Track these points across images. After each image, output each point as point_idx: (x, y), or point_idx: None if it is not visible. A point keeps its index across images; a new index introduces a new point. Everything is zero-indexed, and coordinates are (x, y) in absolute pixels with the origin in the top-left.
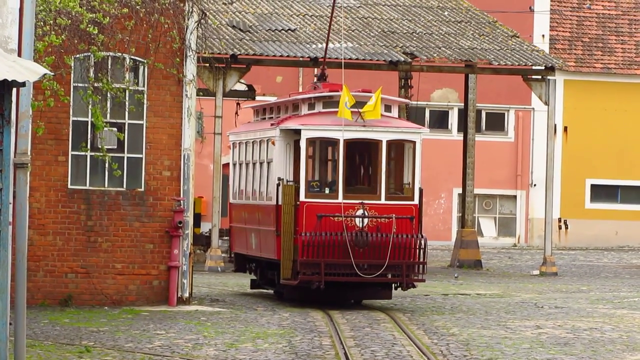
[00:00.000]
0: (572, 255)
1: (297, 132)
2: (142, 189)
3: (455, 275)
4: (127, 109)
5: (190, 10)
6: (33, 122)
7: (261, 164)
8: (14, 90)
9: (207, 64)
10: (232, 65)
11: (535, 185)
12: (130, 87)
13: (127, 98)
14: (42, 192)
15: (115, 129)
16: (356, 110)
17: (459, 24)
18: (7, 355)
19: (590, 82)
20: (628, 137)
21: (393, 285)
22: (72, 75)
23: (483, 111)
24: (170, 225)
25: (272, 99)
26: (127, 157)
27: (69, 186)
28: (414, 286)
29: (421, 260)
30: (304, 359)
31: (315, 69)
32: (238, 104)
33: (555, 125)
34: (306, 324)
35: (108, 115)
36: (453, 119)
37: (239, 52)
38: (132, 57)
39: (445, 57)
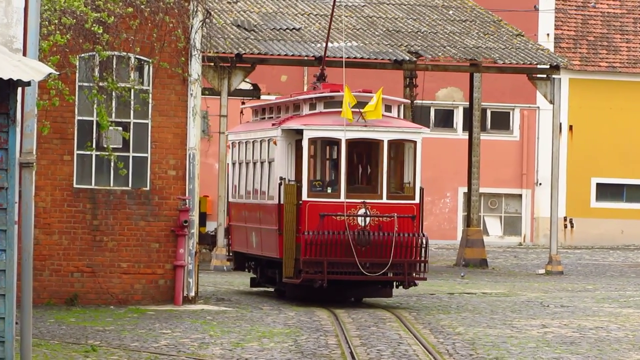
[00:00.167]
0: (578, 254)
1: (299, 132)
2: (148, 188)
3: (462, 274)
4: (132, 108)
5: (195, 9)
6: (38, 121)
7: (262, 163)
8: (19, 89)
9: (212, 63)
10: (237, 64)
11: (540, 184)
12: (135, 87)
13: (132, 97)
14: (48, 191)
15: (120, 128)
16: (357, 110)
17: (463, 23)
18: (14, 355)
19: (596, 80)
20: (633, 136)
21: (394, 283)
22: (77, 74)
23: (488, 110)
24: (175, 225)
25: (273, 99)
26: (133, 157)
27: (75, 185)
28: (415, 284)
29: (422, 258)
30: (310, 358)
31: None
32: (243, 102)
33: (560, 124)
34: (312, 323)
35: (113, 115)
36: (458, 118)
37: (243, 52)
38: (137, 56)
39: (450, 56)
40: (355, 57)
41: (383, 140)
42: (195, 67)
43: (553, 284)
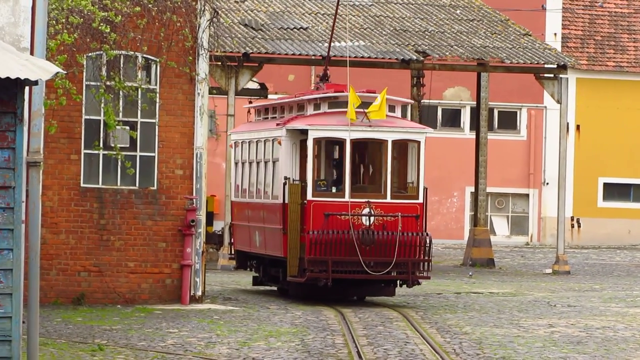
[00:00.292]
0: (585, 254)
1: (304, 132)
2: (155, 188)
3: (470, 273)
4: (139, 108)
5: (202, 8)
6: (45, 120)
7: (266, 163)
8: (27, 88)
9: (219, 63)
10: (244, 63)
11: (547, 183)
12: (142, 86)
13: (139, 96)
14: (55, 190)
15: (127, 128)
16: (361, 110)
17: (471, 23)
18: (20, 354)
19: (603, 80)
20: None
21: (398, 282)
22: (84, 73)
23: (495, 109)
24: (182, 224)
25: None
26: (140, 156)
27: (82, 185)
28: (419, 283)
29: (426, 257)
30: (317, 358)
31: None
32: (250, 102)
33: (567, 124)
34: (319, 323)
35: (120, 114)
36: (465, 118)
37: (251, 51)
38: (145, 55)
39: (458, 56)
40: (362, 57)
41: (387, 140)
42: (203, 67)
43: (560, 284)
